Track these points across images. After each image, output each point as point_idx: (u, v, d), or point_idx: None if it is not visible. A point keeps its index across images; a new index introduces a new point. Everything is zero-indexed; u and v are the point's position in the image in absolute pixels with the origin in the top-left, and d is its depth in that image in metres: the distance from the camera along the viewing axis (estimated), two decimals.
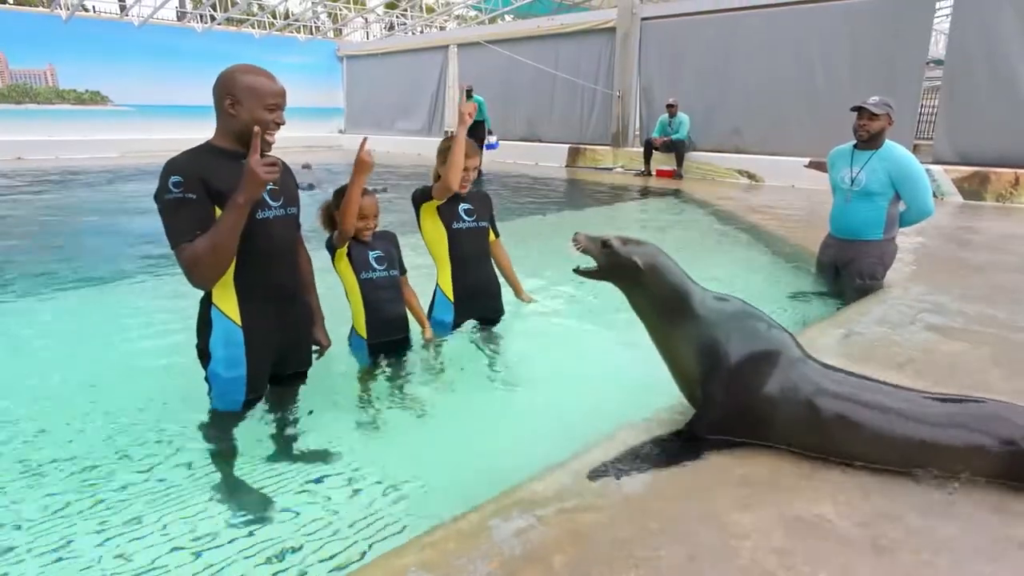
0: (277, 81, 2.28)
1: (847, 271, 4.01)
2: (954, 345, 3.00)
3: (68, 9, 15.31)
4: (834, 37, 10.03)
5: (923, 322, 3.33)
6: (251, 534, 1.89)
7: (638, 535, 1.63)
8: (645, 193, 10.15)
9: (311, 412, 2.57)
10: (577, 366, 3.08)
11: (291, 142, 17.99)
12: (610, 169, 12.91)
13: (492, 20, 20.13)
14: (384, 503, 2.04)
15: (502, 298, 3.35)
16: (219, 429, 2.42)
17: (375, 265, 2.88)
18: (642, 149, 11.81)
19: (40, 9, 15.94)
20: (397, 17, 22.52)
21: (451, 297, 3.14)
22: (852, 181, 3.83)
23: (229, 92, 2.19)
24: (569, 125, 14.24)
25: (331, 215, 2.90)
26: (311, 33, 20.53)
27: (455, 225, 3.07)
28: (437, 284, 3.17)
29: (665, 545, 1.58)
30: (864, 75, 9.69)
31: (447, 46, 17.17)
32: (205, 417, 2.43)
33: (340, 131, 21.36)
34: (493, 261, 3.34)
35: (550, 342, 3.37)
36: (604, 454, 2.01)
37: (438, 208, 3.08)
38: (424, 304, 3.19)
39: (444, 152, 3.03)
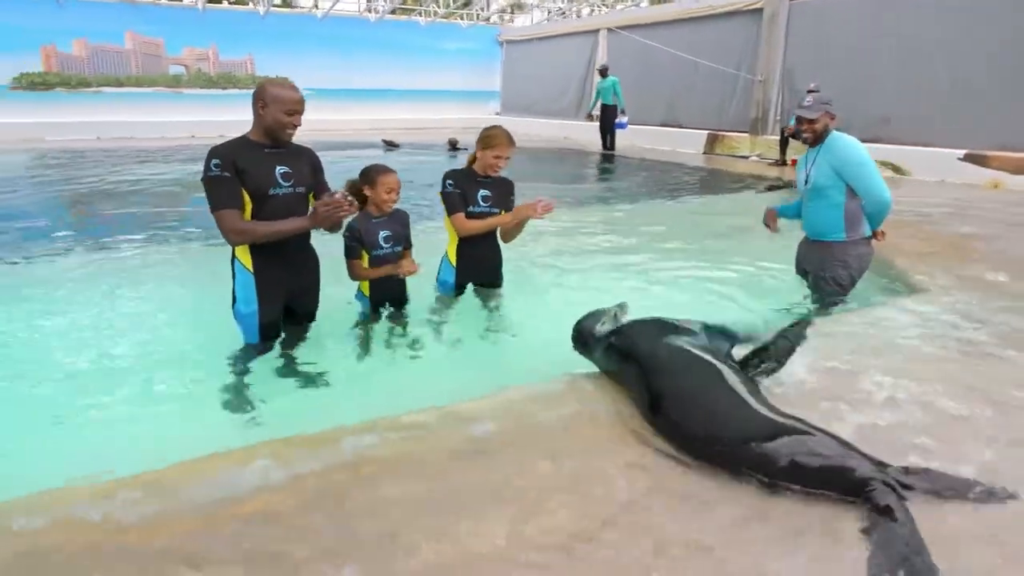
0: (298, 92, 2.88)
1: (813, 275, 3.85)
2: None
3: (265, 5, 17.62)
4: (995, 19, 8.83)
5: (951, 347, 2.94)
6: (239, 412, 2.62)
7: (449, 465, 1.98)
8: (775, 185, 9.69)
9: (316, 340, 3.18)
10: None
11: (448, 123, 19.26)
12: (746, 157, 12.39)
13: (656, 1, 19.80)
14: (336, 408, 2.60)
15: (502, 269, 3.71)
16: (243, 355, 3.08)
17: (383, 244, 3.35)
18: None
19: (245, 7, 18.45)
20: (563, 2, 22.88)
21: (454, 263, 3.56)
22: (806, 180, 3.73)
23: (261, 98, 2.82)
24: (709, 111, 13.80)
25: (358, 190, 3.41)
26: (475, 20, 21.56)
27: (470, 209, 3.45)
28: (445, 251, 3.60)
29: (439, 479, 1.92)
30: None
31: (597, 30, 17.29)
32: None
33: (496, 113, 22.32)
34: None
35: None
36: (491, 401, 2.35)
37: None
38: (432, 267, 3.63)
39: (484, 139, 3.42)
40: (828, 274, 3.74)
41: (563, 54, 18.54)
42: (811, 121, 3.61)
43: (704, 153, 13.44)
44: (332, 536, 1.66)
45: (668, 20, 14.65)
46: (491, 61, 21.90)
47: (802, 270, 4.00)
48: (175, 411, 2.67)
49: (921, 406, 2.37)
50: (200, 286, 4.19)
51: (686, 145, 13.87)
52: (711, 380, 2.18)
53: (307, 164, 3.05)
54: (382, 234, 3.36)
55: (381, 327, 3.37)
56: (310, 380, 2.94)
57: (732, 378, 2.19)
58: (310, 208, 3.10)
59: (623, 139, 14.13)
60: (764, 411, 2.02)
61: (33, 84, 15.47)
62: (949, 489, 1.80)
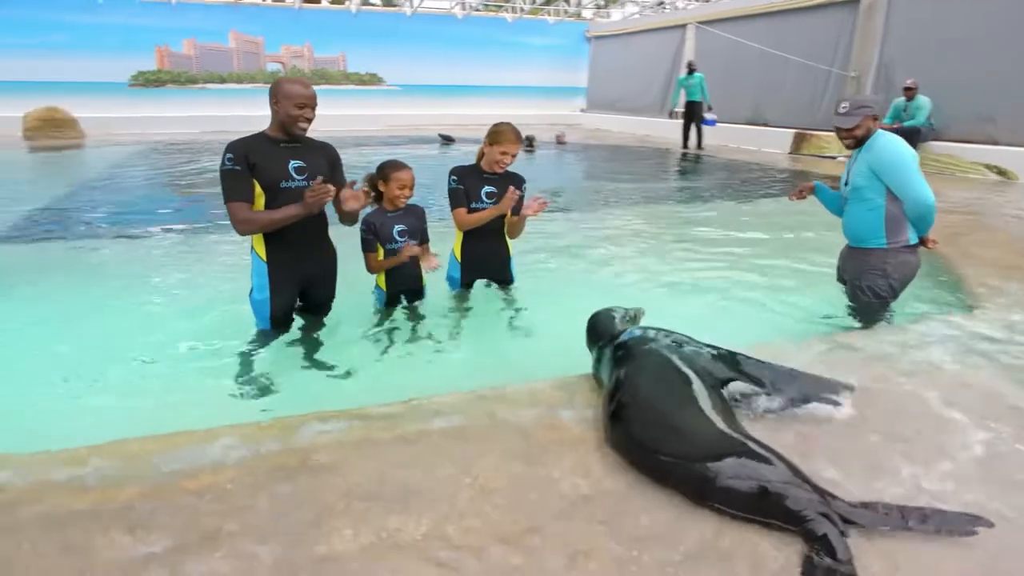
0: (309, 88, 2.96)
1: (849, 284, 3.61)
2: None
3: (356, 3, 18.32)
4: None
5: (991, 370, 2.68)
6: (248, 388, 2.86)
7: (399, 458, 2.01)
8: None
9: (328, 329, 3.32)
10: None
11: (533, 119, 19.32)
12: (834, 158, 11.67)
13: None
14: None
15: (511, 267, 3.69)
16: (254, 340, 3.25)
17: (397, 238, 3.42)
18: None
19: (340, 6, 19.24)
20: None
21: (459, 259, 3.61)
22: (846, 181, 3.52)
23: (274, 94, 2.95)
24: (798, 108, 13.11)
25: (374, 185, 3.51)
26: (561, 15, 21.46)
27: (472, 205, 3.48)
28: (452, 247, 3.64)
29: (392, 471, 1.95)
30: None
31: (685, 25, 16.81)
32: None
33: (581, 110, 22.16)
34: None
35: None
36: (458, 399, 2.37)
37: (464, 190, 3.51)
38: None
39: (491, 135, 3.45)
40: (865, 283, 3.48)
41: (649, 50, 18.16)
42: (849, 130, 3.39)
43: (790, 153, 12.78)
44: (264, 515, 1.74)
45: (758, 13, 14.03)
46: (578, 57, 21.74)
47: (842, 279, 3.77)
48: (182, 386, 2.87)
49: (944, 436, 2.17)
50: (237, 272, 4.45)
51: (771, 144, 13.24)
52: (673, 391, 2.10)
53: (324, 159, 3.14)
54: (396, 228, 3.43)
55: (393, 320, 3.45)
56: (313, 367, 3.05)
57: (699, 393, 2.09)
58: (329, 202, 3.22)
59: (708, 137, 13.69)
60: (716, 429, 1.91)
61: (148, 81, 16.87)
62: (907, 524, 1.65)
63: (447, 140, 14.82)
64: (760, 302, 4.02)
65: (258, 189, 2.95)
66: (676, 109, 15.97)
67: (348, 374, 2.99)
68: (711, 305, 4.04)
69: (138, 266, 4.75)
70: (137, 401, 2.71)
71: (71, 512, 1.74)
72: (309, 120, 2.97)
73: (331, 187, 2.88)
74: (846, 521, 1.63)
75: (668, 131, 15.70)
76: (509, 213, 3.58)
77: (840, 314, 3.59)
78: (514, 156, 3.39)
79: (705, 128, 13.43)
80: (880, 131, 3.42)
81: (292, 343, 3.17)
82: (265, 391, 2.84)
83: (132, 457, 1.99)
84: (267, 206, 2.98)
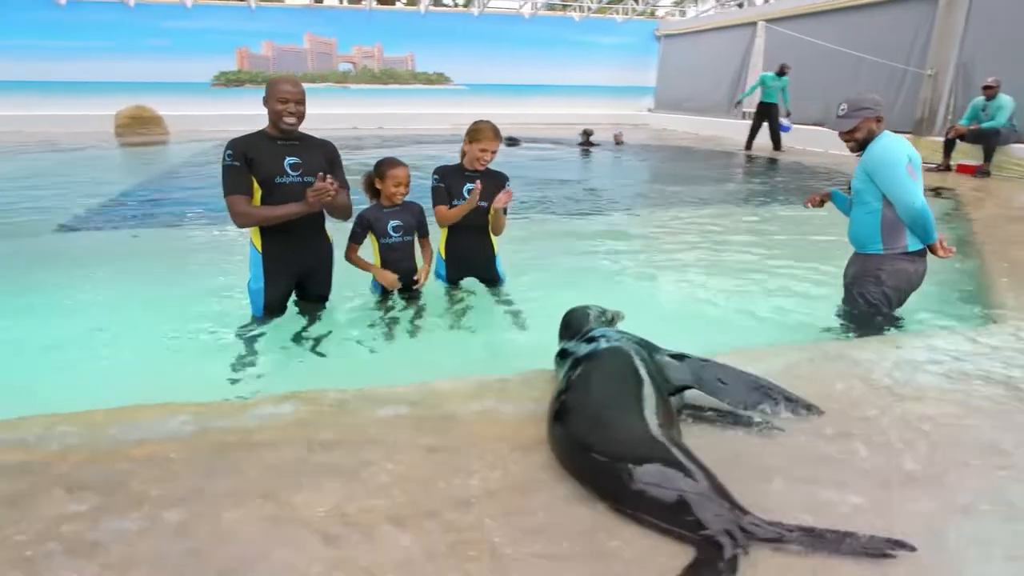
0: (295, 85, 3.12)
1: (846, 290, 3.51)
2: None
3: (424, 4, 18.74)
4: None
5: (978, 395, 2.49)
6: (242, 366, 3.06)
7: (332, 440, 2.11)
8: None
9: (321, 319, 3.50)
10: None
11: (601, 119, 19.20)
12: None
13: None
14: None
15: (496, 266, 3.77)
16: (249, 326, 3.44)
17: (392, 233, 3.56)
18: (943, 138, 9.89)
19: (412, 8, 19.71)
20: None
21: (444, 256, 3.72)
22: (849, 186, 3.45)
23: (266, 91, 3.12)
24: None
25: (371, 182, 3.65)
26: (629, 14, 21.19)
27: (455, 202, 3.56)
28: (438, 244, 3.74)
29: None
30: None
31: (755, 23, 16.27)
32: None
33: (649, 110, 21.82)
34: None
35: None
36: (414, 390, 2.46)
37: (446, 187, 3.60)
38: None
39: (471, 132, 3.53)
40: (857, 290, 3.40)
41: (719, 48, 17.69)
42: (849, 133, 3.34)
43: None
44: (187, 484, 1.88)
45: (830, 9, 13.43)
46: (646, 56, 21.43)
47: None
48: (168, 365, 3.12)
49: (884, 460, 2.08)
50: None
51: (839, 146, 12.49)
52: (611, 394, 2.10)
53: (321, 156, 3.29)
54: (392, 223, 3.55)
55: (384, 313, 3.59)
56: (297, 354, 3.22)
57: (642, 398, 2.06)
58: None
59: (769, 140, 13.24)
60: (641, 435, 1.89)
61: (228, 81, 17.87)
62: (822, 545, 1.59)
63: (512, 142, 13.97)
64: (760, 307, 3.95)
65: (255, 184, 3.14)
66: (744, 109, 15.53)
67: (328, 362, 3.14)
68: (704, 308, 3.98)
69: (167, 253, 5.15)
70: (123, 376, 2.96)
71: (27, 469, 1.93)
72: (294, 115, 3.10)
73: (331, 185, 2.99)
74: (752, 536, 1.59)
75: (736, 132, 15.23)
76: (493, 211, 3.61)
77: (836, 322, 3.45)
78: (494, 153, 3.45)
79: (782, 133, 12.99)
80: (885, 132, 3.30)
81: (282, 330, 3.35)
82: (245, 374, 3.02)
83: (95, 426, 2.18)
84: (263, 200, 3.16)
